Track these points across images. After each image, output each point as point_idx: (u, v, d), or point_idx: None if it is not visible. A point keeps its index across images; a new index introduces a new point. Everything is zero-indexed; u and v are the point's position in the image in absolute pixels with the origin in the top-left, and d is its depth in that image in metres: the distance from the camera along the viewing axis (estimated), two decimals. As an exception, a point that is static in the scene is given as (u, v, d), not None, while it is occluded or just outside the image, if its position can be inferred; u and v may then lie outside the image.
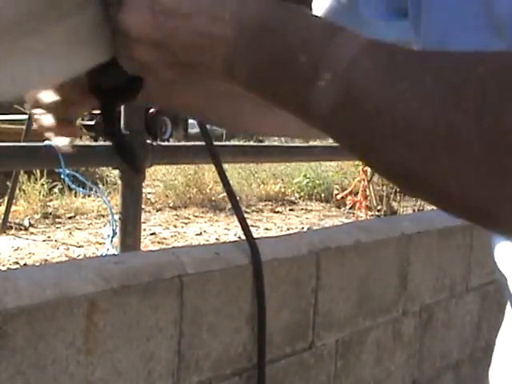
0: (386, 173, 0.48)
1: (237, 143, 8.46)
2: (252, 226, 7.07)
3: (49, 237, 6.02)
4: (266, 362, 1.41)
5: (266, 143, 7.61)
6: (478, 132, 0.41)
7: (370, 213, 7.63)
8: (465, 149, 0.41)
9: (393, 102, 0.44)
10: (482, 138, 0.41)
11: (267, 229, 6.99)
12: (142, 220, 3.24)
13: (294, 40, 0.48)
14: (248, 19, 0.50)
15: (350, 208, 8.05)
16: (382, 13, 0.71)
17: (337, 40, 0.47)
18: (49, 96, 0.66)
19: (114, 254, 2.65)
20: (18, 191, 6.22)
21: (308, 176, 9.33)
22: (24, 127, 5.02)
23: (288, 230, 6.90)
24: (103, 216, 6.78)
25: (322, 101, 0.47)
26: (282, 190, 9.05)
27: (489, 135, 0.40)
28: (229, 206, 6.91)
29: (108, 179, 8.02)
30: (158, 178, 8.62)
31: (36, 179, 7.08)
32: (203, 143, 1.42)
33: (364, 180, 7.24)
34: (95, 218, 6.93)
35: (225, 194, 1.44)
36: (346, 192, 7.91)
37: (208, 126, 1.38)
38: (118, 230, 2.94)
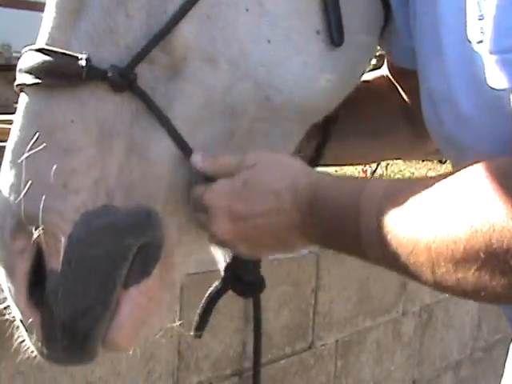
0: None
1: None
2: (252, 225, 7.07)
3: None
4: (264, 363, 1.41)
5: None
6: None
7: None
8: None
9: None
10: None
11: (267, 229, 6.99)
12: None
13: (336, 210, 0.63)
14: (302, 205, 0.65)
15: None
16: None
17: (362, 200, 0.61)
18: None
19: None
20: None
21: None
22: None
23: (288, 229, 6.90)
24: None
25: (370, 252, 0.61)
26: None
27: None
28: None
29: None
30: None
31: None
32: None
33: (364, 180, 7.22)
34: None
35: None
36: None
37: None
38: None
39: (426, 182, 0.59)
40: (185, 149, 0.67)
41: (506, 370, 0.81)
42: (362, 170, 3.47)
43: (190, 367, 1.26)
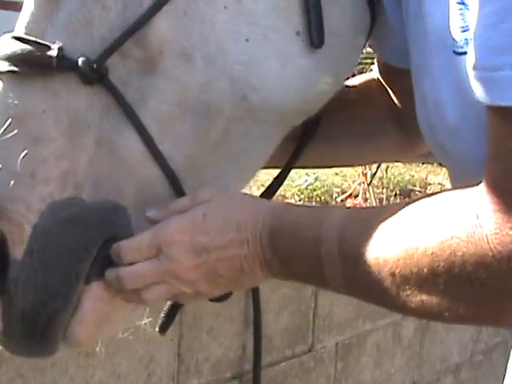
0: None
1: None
2: (252, 228, 7.06)
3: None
4: (264, 365, 1.41)
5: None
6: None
7: (369, 215, 7.60)
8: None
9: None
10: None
11: (267, 231, 6.98)
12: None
13: (297, 245, 0.63)
14: (263, 235, 0.65)
15: (350, 211, 8.02)
16: None
17: (324, 227, 0.61)
18: None
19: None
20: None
21: (308, 178, 9.31)
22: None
23: (288, 232, 6.89)
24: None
25: (331, 280, 0.61)
26: (282, 192, 9.03)
27: None
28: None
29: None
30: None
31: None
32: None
33: (364, 183, 7.23)
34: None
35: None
36: (346, 195, 7.90)
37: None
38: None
39: (388, 209, 0.59)
40: (152, 148, 0.65)
41: (507, 373, 0.81)
42: (362, 172, 3.46)
43: (190, 370, 1.26)
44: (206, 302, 1.32)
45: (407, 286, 0.55)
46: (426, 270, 0.53)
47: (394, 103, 0.89)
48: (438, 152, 0.68)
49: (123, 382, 1.14)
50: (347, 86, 0.87)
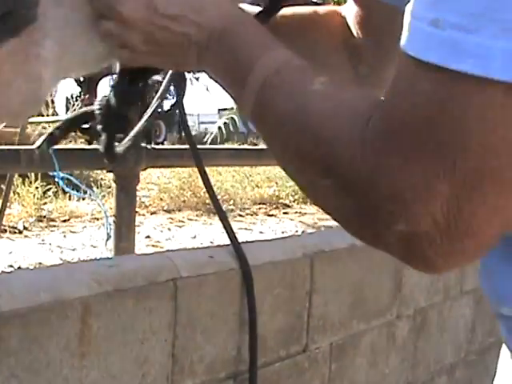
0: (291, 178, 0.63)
1: (231, 146, 8.47)
2: (246, 229, 7.06)
3: (43, 240, 6.01)
4: (258, 366, 1.41)
5: (261, 146, 7.63)
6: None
7: (364, 216, 7.61)
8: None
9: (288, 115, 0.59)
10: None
11: (261, 232, 6.98)
12: (137, 223, 3.24)
13: (240, 53, 0.65)
14: (216, 29, 0.67)
15: (345, 211, 8.03)
16: None
17: (262, 59, 0.63)
18: None
19: (108, 257, 2.65)
20: (12, 194, 6.20)
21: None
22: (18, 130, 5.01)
23: (282, 233, 6.91)
24: (97, 219, 6.76)
25: (245, 104, 0.64)
26: (277, 193, 9.04)
27: None
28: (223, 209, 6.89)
29: (102, 182, 8.00)
30: (153, 181, 8.61)
31: (30, 182, 7.06)
32: (198, 146, 1.42)
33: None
34: (89, 222, 6.92)
35: (219, 197, 1.43)
36: (341, 195, 7.90)
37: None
38: (112, 234, 2.93)
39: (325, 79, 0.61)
40: None
41: (497, 372, 0.82)
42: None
43: (185, 370, 1.26)
44: (199, 302, 1.32)
45: (305, 162, 0.58)
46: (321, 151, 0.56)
47: (355, 45, 0.90)
48: None
49: (117, 382, 1.14)
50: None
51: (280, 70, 0.62)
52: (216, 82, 0.70)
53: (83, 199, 7.10)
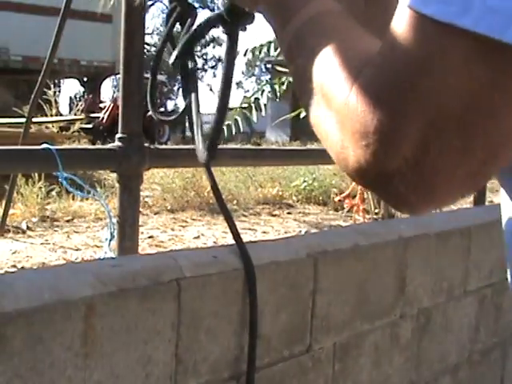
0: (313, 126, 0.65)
1: (235, 146, 8.46)
2: (250, 229, 7.07)
3: (46, 240, 6.02)
4: (261, 366, 1.41)
5: (264, 146, 7.61)
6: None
7: (367, 216, 7.63)
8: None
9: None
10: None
11: (265, 232, 6.98)
12: (140, 223, 3.24)
13: None
14: None
15: (348, 211, 8.05)
16: None
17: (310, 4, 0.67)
18: None
19: (111, 258, 2.65)
20: (15, 194, 6.21)
21: (306, 179, 9.33)
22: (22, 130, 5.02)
23: (286, 233, 6.91)
24: (101, 219, 6.77)
25: (284, 41, 0.69)
26: (280, 193, 9.04)
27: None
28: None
29: (106, 182, 8.02)
30: (156, 181, 8.62)
31: (34, 182, 7.07)
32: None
33: (362, 183, 7.20)
34: (93, 222, 6.93)
35: (223, 197, 1.43)
36: (344, 195, 7.91)
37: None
38: (115, 234, 2.94)
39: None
40: None
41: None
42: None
43: (188, 370, 1.26)
44: (203, 302, 1.32)
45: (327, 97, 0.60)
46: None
47: None
48: None
49: (121, 382, 1.14)
50: None
51: (323, 13, 0.66)
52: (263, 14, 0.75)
53: (86, 199, 7.12)
